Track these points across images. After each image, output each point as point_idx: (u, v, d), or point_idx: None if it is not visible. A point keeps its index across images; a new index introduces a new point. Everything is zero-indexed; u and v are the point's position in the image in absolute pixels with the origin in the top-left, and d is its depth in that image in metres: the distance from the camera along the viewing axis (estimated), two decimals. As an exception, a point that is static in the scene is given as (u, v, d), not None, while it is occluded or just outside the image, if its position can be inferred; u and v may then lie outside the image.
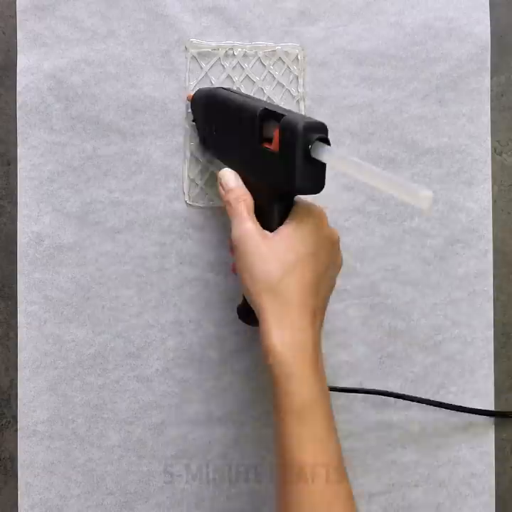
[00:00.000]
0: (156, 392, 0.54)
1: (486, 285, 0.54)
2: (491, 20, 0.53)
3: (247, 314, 0.48)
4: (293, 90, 0.53)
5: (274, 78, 0.53)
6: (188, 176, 0.53)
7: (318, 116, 0.53)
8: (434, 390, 0.54)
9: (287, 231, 0.42)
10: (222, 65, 0.53)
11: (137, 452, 0.53)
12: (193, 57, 0.53)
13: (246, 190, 0.45)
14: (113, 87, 0.53)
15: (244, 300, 0.47)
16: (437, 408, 0.54)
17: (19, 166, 0.53)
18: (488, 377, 0.54)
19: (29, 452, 0.53)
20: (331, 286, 0.45)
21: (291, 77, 0.53)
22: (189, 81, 0.53)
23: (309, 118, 0.41)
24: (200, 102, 0.51)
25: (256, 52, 0.53)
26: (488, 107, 0.54)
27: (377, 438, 0.54)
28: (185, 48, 0.53)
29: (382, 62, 0.53)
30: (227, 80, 0.53)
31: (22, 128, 0.53)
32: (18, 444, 0.53)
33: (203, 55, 0.53)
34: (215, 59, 0.53)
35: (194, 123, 0.52)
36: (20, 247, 0.53)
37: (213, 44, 0.53)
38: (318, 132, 0.40)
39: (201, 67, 0.53)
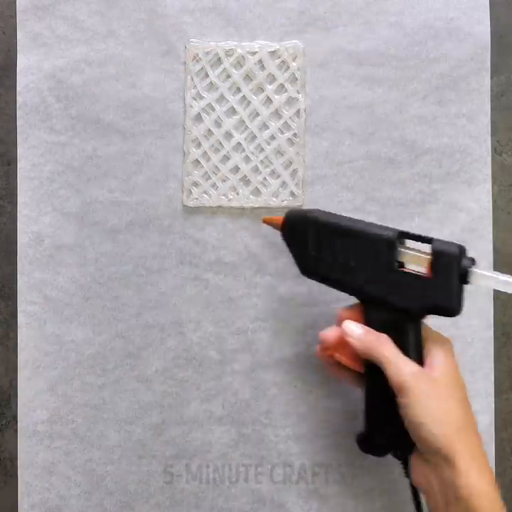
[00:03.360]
0: (156, 392, 0.54)
1: (486, 285, 0.54)
2: (491, 20, 0.53)
3: (371, 444, 0.47)
4: (293, 90, 0.53)
5: (275, 78, 0.53)
6: (188, 176, 0.53)
7: (318, 116, 0.53)
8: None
9: (443, 364, 0.43)
10: (223, 65, 0.53)
11: (137, 452, 0.54)
12: (193, 57, 0.53)
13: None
14: (113, 87, 0.53)
15: (369, 428, 0.47)
16: (437, 408, 0.54)
17: (19, 166, 0.53)
18: (488, 377, 0.54)
19: (29, 452, 0.53)
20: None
21: (291, 77, 0.53)
22: (189, 81, 0.53)
23: (454, 243, 0.43)
24: (298, 227, 0.47)
25: (256, 52, 0.53)
26: (488, 107, 0.54)
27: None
28: (185, 48, 0.53)
29: (382, 62, 0.53)
30: (227, 80, 0.53)
31: (22, 128, 0.53)
32: (18, 444, 0.53)
33: (203, 55, 0.53)
34: (215, 59, 0.53)
35: (290, 248, 0.48)
36: (20, 247, 0.53)
37: (213, 44, 0.53)
38: (464, 254, 0.42)
39: (201, 68, 0.53)
